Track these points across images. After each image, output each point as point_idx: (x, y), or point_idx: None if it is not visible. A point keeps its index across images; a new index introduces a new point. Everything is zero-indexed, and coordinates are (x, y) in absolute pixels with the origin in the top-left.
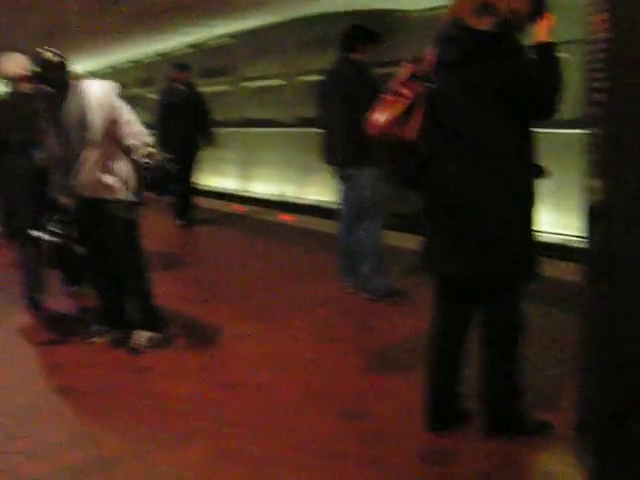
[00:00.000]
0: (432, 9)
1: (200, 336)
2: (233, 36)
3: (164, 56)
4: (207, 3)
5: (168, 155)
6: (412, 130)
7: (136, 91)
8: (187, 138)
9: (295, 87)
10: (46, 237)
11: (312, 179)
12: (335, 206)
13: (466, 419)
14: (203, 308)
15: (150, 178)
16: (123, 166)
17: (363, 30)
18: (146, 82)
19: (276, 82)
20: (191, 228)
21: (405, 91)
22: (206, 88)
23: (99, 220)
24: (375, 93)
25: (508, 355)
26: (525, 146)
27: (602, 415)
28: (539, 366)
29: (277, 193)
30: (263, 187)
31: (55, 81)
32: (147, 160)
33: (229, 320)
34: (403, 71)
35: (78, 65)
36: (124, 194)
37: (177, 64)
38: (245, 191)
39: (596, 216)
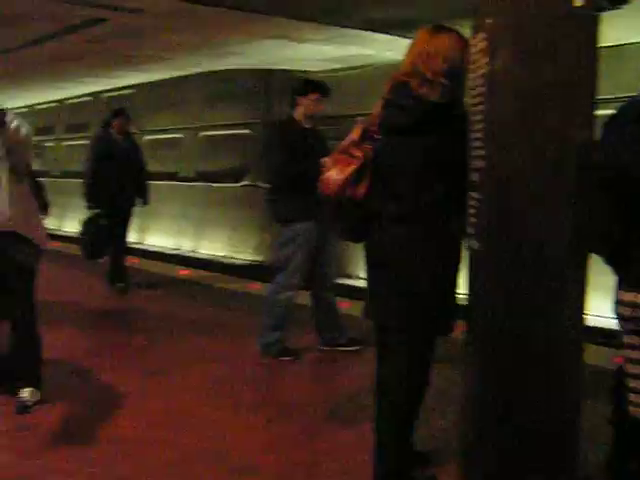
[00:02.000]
0: (331, 70)
1: (93, 391)
2: (134, 87)
3: (62, 103)
4: (108, 54)
5: (96, 210)
6: (363, 190)
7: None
8: (121, 192)
9: (196, 141)
10: None
11: (208, 233)
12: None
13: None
14: (97, 362)
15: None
16: (35, 210)
17: (303, 83)
18: (44, 130)
19: (177, 135)
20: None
21: (357, 152)
22: None
23: None
24: (295, 152)
25: (395, 410)
26: (456, 210)
27: (478, 471)
28: (428, 419)
29: (173, 247)
30: (160, 240)
31: None
32: None
33: (123, 375)
34: (355, 131)
35: None
36: (30, 234)
37: (114, 109)
38: (142, 244)
39: (476, 276)
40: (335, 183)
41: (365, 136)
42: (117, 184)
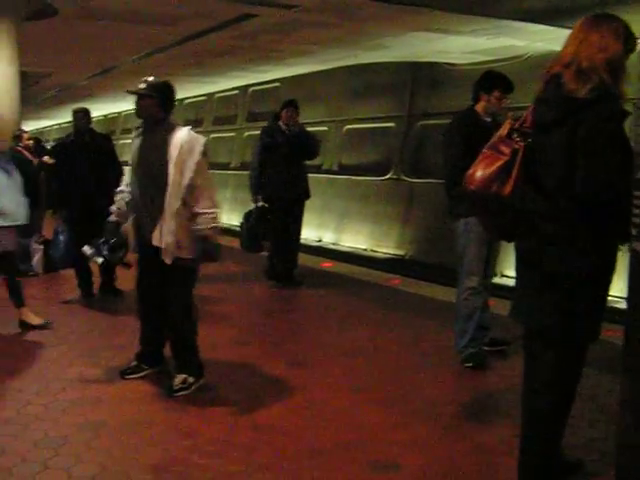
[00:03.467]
0: (477, 63)
1: (239, 379)
2: (280, 81)
3: (210, 97)
4: (256, 49)
5: (263, 203)
6: (509, 187)
7: None
8: (286, 184)
9: (340, 134)
10: (98, 258)
11: (350, 226)
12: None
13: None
14: (243, 351)
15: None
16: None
17: (487, 78)
18: (193, 123)
19: (321, 128)
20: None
21: (504, 148)
22: (250, 132)
23: (157, 262)
24: (472, 146)
25: (541, 417)
26: (613, 210)
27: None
28: (576, 427)
29: (315, 239)
30: (303, 232)
31: (144, 111)
32: (203, 232)
33: (268, 364)
34: (503, 127)
35: (124, 103)
36: (186, 253)
37: (285, 101)
38: None
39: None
40: (479, 179)
41: (517, 132)
42: (281, 176)
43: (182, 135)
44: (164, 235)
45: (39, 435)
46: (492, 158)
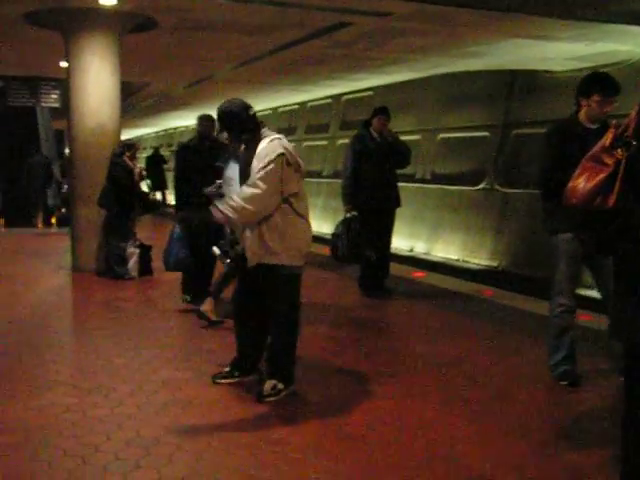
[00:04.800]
0: (576, 70)
1: (326, 387)
2: (373, 90)
3: (303, 105)
4: (350, 58)
5: (353, 212)
6: (612, 199)
7: None
8: (377, 192)
9: (433, 143)
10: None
11: (442, 236)
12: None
13: None
14: (333, 360)
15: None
16: (292, 230)
17: (586, 81)
18: (286, 132)
19: (414, 137)
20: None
21: (607, 159)
22: (343, 140)
23: (257, 270)
24: (568, 156)
25: None
26: None
27: None
28: None
29: (407, 248)
30: (395, 242)
31: (235, 128)
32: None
33: (356, 374)
34: (606, 137)
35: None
36: (288, 260)
37: (375, 108)
38: None
39: None
40: (582, 192)
41: (620, 141)
42: (372, 185)
43: (262, 146)
44: (249, 239)
45: (131, 434)
46: (595, 170)
